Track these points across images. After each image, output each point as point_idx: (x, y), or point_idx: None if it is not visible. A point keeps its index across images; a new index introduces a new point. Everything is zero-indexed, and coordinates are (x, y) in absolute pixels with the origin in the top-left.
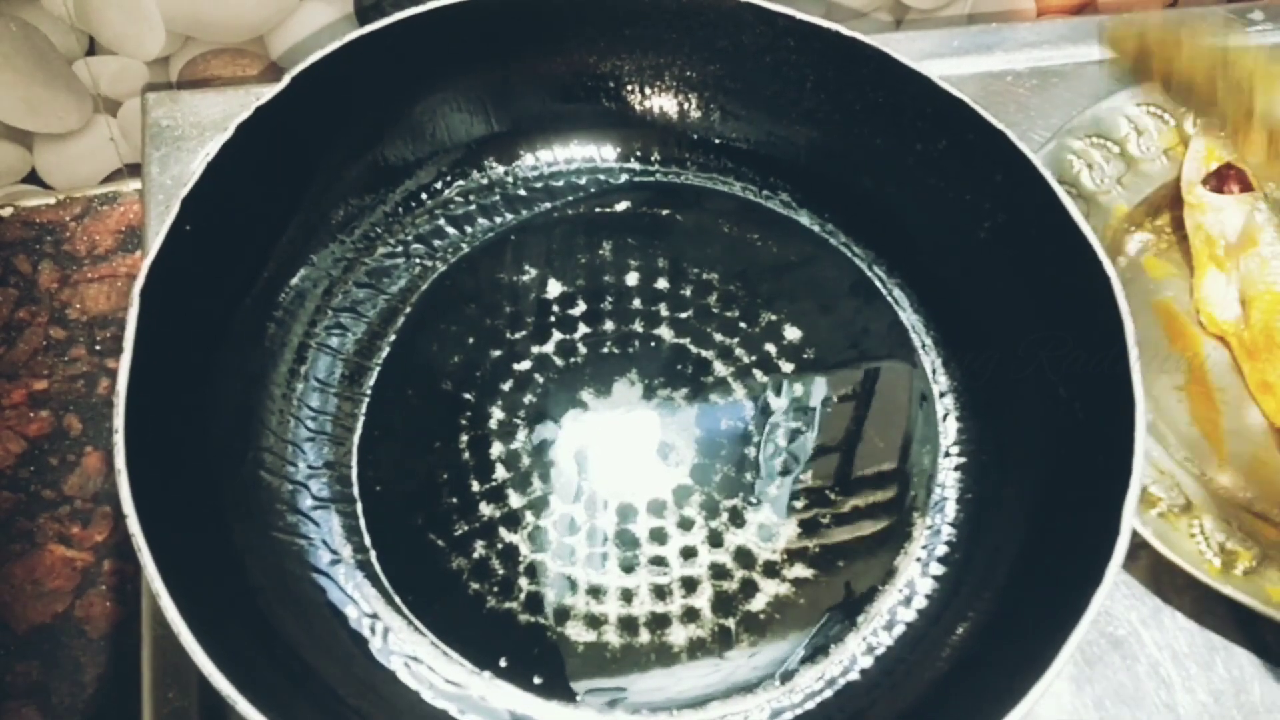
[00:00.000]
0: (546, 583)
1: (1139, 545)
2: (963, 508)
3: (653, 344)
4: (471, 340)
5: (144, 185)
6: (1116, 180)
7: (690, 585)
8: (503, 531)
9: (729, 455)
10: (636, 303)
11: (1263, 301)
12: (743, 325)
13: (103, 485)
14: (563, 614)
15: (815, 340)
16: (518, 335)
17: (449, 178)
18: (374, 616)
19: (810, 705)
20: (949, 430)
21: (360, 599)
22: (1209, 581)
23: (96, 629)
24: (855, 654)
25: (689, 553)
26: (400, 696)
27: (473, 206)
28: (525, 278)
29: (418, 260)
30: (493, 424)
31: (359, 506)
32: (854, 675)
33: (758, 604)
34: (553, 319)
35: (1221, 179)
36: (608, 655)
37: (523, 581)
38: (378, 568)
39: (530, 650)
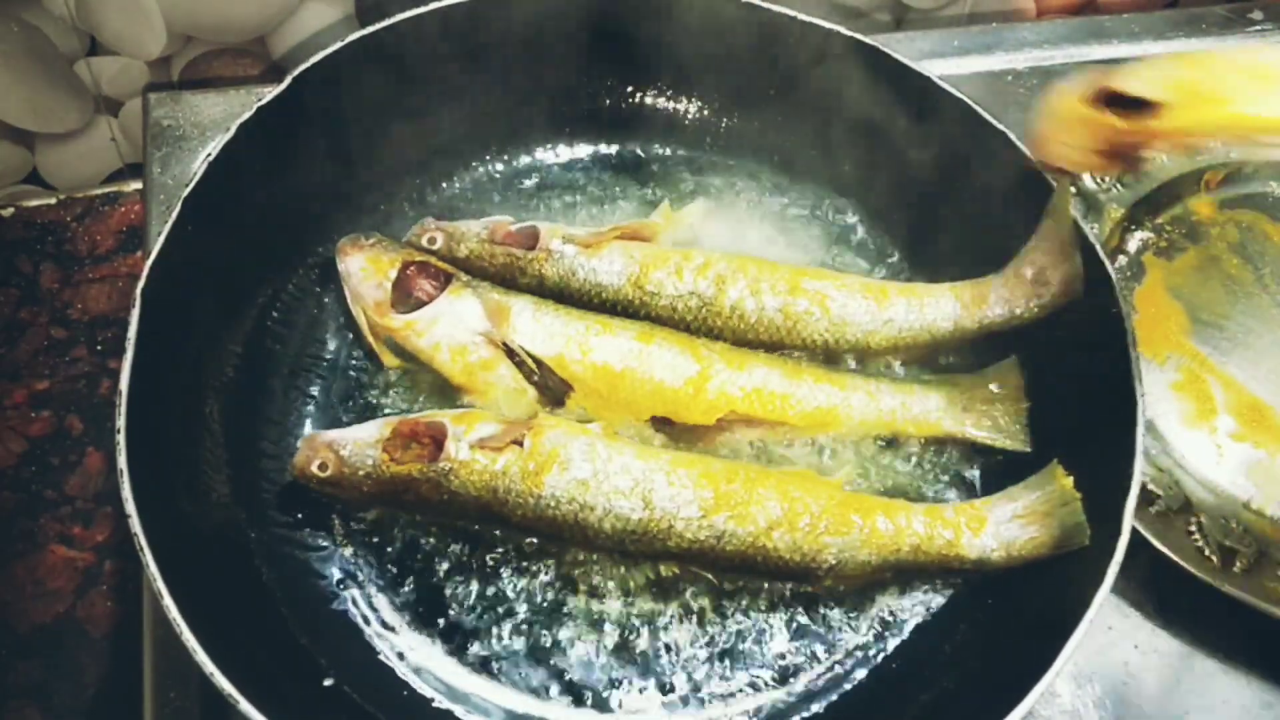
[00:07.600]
0: (548, 582)
1: (1138, 544)
2: None
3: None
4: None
5: (145, 185)
6: (1117, 179)
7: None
8: (503, 533)
9: None
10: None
11: None
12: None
13: (104, 485)
14: (562, 614)
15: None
16: None
17: (450, 176)
18: (375, 615)
19: (814, 706)
20: None
21: (362, 598)
22: (1208, 580)
23: (98, 629)
24: (858, 654)
25: None
26: (401, 695)
27: (473, 204)
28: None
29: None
30: None
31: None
32: (858, 675)
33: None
34: None
35: None
36: (606, 654)
37: (523, 582)
38: (378, 567)
39: (530, 650)
